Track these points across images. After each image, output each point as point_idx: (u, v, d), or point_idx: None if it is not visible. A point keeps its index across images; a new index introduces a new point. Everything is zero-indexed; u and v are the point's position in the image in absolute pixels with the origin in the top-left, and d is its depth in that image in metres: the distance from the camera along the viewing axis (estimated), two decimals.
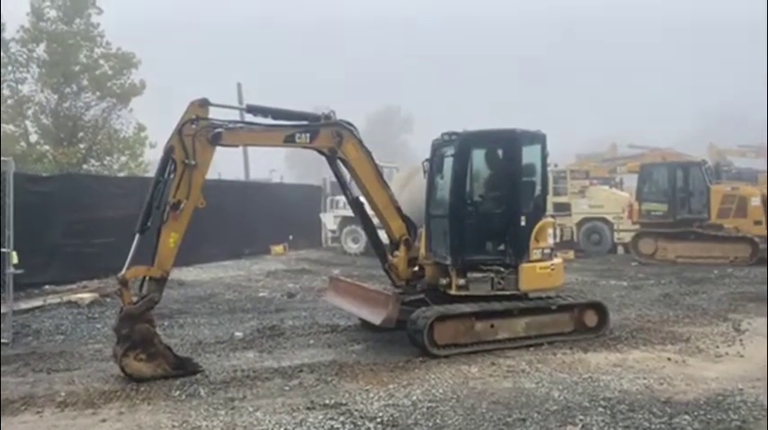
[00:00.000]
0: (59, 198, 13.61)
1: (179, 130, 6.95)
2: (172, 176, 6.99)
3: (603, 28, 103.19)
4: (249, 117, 7.83)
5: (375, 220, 8.69)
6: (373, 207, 8.36)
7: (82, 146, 20.87)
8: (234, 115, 8.36)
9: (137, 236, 6.92)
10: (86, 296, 11.58)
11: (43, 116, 20.66)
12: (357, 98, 61.93)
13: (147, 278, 6.85)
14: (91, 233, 14.16)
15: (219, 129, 7.12)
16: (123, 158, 21.90)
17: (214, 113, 7.33)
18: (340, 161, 8.07)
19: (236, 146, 7.83)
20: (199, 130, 7.00)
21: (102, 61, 21.28)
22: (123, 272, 6.69)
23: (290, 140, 7.64)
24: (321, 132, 7.78)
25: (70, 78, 20.34)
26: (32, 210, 12.61)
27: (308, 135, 7.71)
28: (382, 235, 8.75)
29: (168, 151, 6.99)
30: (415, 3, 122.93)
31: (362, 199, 8.55)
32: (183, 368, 6.81)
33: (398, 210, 8.41)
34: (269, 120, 7.77)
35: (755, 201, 17.64)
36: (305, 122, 7.86)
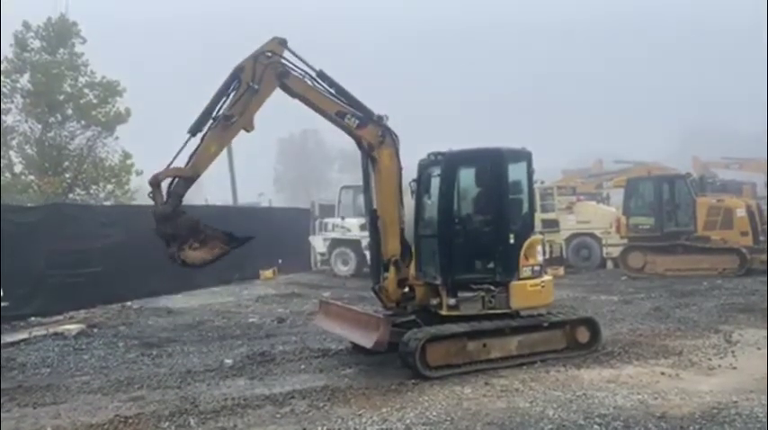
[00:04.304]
0: (45, 228, 13.47)
1: (255, 56, 7.47)
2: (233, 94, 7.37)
3: (588, 44, 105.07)
4: None
5: None
6: (381, 218, 8.32)
7: (67, 175, 20.74)
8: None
9: (188, 136, 7.29)
10: (73, 327, 11.39)
11: (27, 146, 20.56)
12: None
13: (177, 179, 7.07)
14: (77, 263, 14.01)
15: (289, 69, 7.65)
16: (109, 187, 21.75)
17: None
18: (371, 162, 8.22)
19: (294, 96, 7.89)
20: (272, 63, 7.53)
21: (86, 90, 21.25)
22: (159, 173, 6.98)
23: (340, 116, 7.97)
24: (369, 125, 8.06)
25: (55, 108, 20.27)
26: (17, 241, 12.48)
27: (357, 121, 8.01)
28: None
29: (237, 70, 7.43)
30: (400, 21, 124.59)
31: None
32: (236, 240, 7.06)
33: (402, 231, 8.38)
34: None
35: (741, 213, 17.80)
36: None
